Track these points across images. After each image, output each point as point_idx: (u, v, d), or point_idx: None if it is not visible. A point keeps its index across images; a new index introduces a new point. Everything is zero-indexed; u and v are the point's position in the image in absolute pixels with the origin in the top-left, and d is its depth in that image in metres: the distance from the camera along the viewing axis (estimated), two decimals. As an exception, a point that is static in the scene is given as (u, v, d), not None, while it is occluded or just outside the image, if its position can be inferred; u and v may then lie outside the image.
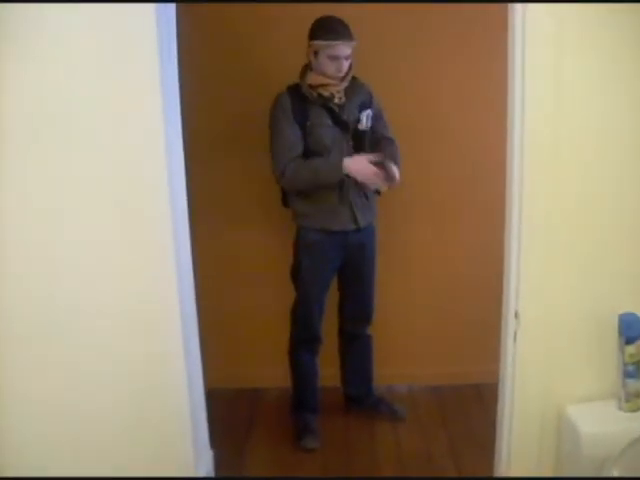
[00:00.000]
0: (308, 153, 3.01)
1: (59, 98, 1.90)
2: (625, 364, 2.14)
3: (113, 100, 1.93)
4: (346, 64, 2.97)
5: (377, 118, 3.15)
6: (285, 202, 3.20)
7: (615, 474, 1.91)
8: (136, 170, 1.99)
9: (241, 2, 3.21)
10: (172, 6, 2.07)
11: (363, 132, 3.09)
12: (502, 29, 2.12)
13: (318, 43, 2.93)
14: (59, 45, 1.88)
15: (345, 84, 3.04)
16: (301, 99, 3.00)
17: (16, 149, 1.90)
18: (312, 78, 3.01)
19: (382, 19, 3.32)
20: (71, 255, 1.99)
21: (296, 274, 3.20)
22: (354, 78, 3.09)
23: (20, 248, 1.95)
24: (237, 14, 3.25)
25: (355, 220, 3.10)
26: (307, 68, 3.04)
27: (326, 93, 3.02)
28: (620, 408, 2.18)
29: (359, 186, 3.06)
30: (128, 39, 1.91)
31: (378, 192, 3.19)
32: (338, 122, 3.02)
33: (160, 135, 1.98)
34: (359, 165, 2.96)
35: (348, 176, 2.97)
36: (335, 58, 2.93)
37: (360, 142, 3.08)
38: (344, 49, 2.93)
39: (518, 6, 2.02)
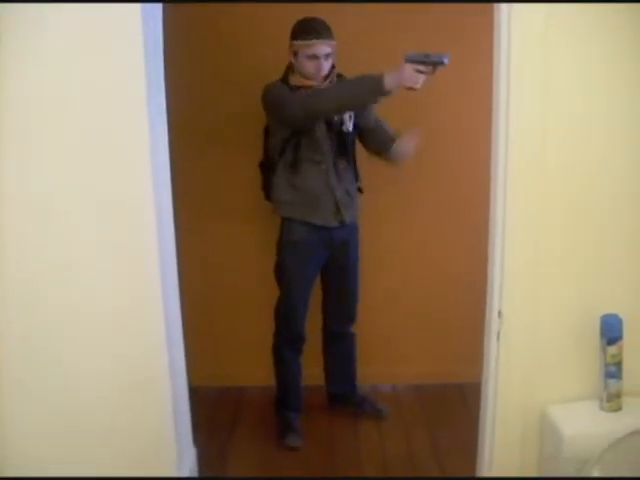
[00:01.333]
0: (299, 148, 2.99)
1: (45, 98, 1.91)
2: (607, 365, 2.15)
3: (98, 100, 1.93)
4: (326, 64, 2.96)
5: (368, 113, 3.11)
6: (267, 195, 3.18)
7: (595, 475, 1.92)
8: (122, 168, 2.00)
9: (229, 2, 3.19)
10: (159, 6, 2.07)
11: (346, 134, 3.07)
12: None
13: (297, 43, 2.93)
14: (45, 46, 1.88)
15: (328, 85, 3.02)
16: None
17: (8, 149, 1.89)
18: (294, 79, 3.00)
19: (371, 19, 3.32)
20: (59, 253, 1.99)
21: (279, 272, 3.19)
22: (340, 76, 3.08)
23: (14, 248, 1.95)
24: (225, 13, 3.24)
25: (338, 215, 3.09)
26: (289, 70, 3.03)
27: None
28: (602, 408, 2.20)
29: (343, 181, 3.07)
30: (113, 38, 1.92)
31: (361, 190, 3.20)
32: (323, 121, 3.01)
33: (145, 132, 1.98)
34: (404, 73, 2.68)
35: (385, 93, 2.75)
36: (314, 57, 2.92)
37: (343, 143, 3.07)
38: (323, 48, 2.91)
39: (503, 6, 2.03)
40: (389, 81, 2.70)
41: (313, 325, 3.33)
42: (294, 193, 3.06)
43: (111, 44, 1.92)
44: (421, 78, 2.68)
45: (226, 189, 3.52)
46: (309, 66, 2.95)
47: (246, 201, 3.48)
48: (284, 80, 3.02)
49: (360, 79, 2.81)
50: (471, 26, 3.27)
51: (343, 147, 3.08)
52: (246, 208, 3.50)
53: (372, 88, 2.75)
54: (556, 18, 1.99)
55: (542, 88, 2.04)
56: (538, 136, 2.07)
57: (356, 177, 3.17)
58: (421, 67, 2.66)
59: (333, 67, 3.01)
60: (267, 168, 3.14)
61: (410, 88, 2.70)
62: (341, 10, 3.15)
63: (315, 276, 3.25)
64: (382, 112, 3.20)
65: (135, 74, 1.94)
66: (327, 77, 3.01)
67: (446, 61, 2.64)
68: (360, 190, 3.20)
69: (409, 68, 2.67)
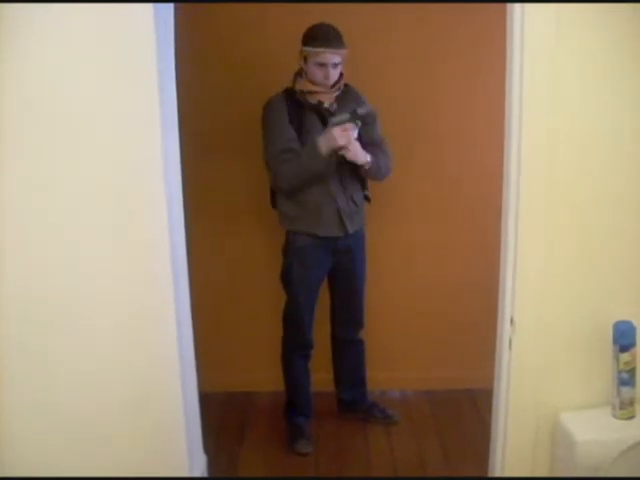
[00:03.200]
0: None
1: (55, 99, 1.89)
2: (619, 372, 2.14)
3: (110, 101, 1.92)
4: (334, 72, 2.96)
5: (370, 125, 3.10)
6: (274, 203, 3.19)
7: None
8: (133, 171, 1.99)
9: (240, 2, 3.19)
10: (170, 6, 2.06)
11: None
12: (504, 31, 2.10)
13: (307, 50, 2.94)
14: (55, 46, 1.87)
15: (336, 93, 3.03)
16: (296, 104, 3.00)
17: (10, 149, 1.89)
18: (302, 84, 3.02)
19: (380, 21, 3.32)
20: (67, 257, 1.97)
21: (286, 277, 3.20)
22: (347, 86, 3.08)
23: (17, 250, 1.94)
24: (235, 14, 3.24)
25: (341, 225, 3.09)
26: (298, 75, 3.04)
27: (314, 101, 3.01)
28: (614, 416, 2.18)
29: (347, 190, 3.07)
30: (126, 39, 1.91)
31: (368, 199, 3.19)
32: None
33: (157, 135, 1.97)
34: (331, 135, 2.89)
35: (331, 156, 2.94)
36: (322, 65, 2.94)
37: None
38: (332, 57, 2.93)
39: (517, 6, 2.02)
40: (322, 146, 2.91)
41: (322, 331, 3.33)
42: (296, 206, 3.07)
43: (121, 45, 1.89)
44: (351, 136, 2.90)
45: (236, 197, 3.52)
46: (317, 74, 2.96)
47: (254, 209, 3.49)
48: (291, 92, 3.02)
49: (304, 149, 2.98)
50: (477, 26, 3.28)
51: None
52: (254, 216, 3.51)
53: (311, 155, 2.94)
54: (566, 18, 1.98)
55: (554, 89, 2.02)
56: (550, 138, 2.05)
57: (363, 185, 3.17)
58: (346, 126, 2.89)
59: (341, 75, 3.02)
60: None
61: (341, 148, 2.92)
62: (339, 11, 3.14)
63: (321, 281, 3.25)
64: (387, 116, 3.19)
65: (147, 76, 1.93)
66: (335, 85, 3.01)
67: (359, 112, 2.92)
68: (367, 199, 3.21)
69: (337, 131, 2.88)
